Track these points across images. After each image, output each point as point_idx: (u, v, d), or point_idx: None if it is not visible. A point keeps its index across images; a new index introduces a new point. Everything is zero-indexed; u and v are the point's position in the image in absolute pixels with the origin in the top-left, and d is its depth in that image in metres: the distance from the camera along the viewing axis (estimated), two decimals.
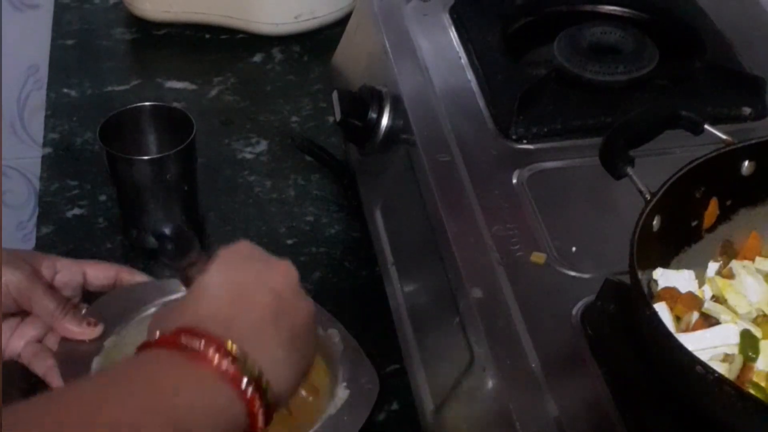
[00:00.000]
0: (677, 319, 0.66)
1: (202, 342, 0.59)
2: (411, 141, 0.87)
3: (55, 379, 0.79)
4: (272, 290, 0.64)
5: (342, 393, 0.80)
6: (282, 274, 0.66)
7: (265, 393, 0.59)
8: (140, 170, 0.93)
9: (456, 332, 0.73)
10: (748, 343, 0.63)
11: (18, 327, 0.81)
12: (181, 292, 0.82)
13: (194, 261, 0.70)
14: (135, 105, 0.98)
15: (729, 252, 0.72)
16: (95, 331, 0.80)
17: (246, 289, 0.64)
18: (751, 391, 0.60)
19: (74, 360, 0.80)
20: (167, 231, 0.72)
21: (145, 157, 0.93)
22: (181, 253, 0.70)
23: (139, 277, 0.86)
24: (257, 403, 0.59)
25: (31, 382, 0.82)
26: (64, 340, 0.81)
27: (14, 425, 0.50)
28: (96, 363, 0.80)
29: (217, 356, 0.58)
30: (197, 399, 0.57)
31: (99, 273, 0.84)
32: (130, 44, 1.27)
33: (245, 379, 0.58)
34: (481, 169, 0.83)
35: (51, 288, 0.80)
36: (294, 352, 0.64)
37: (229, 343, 0.59)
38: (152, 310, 0.84)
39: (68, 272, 0.83)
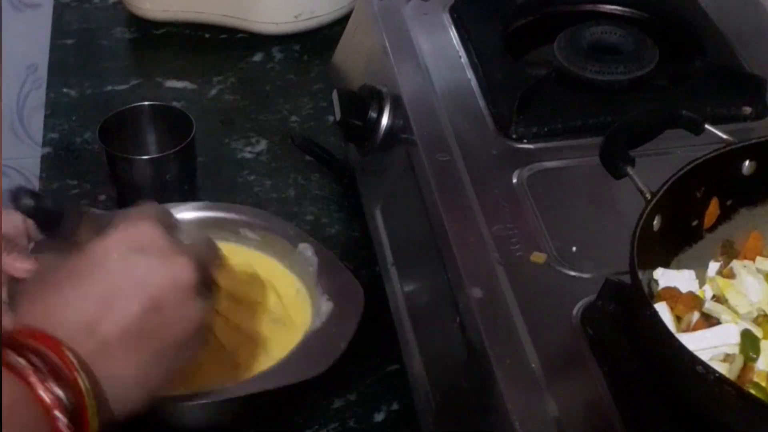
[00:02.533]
0: (678, 319, 0.66)
1: (22, 361, 0.55)
2: (411, 140, 0.87)
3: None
4: (150, 297, 0.60)
5: (325, 306, 0.77)
6: (171, 274, 0.62)
7: (91, 409, 0.56)
8: (140, 170, 0.93)
9: (456, 332, 0.73)
10: (749, 343, 0.63)
11: None
12: None
13: (70, 229, 0.65)
14: (134, 104, 0.98)
15: (730, 252, 0.72)
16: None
17: (120, 292, 0.60)
18: (752, 391, 0.60)
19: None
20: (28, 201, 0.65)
21: (145, 157, 0.93)
22: (49, 227, 0.65)
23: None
24: (62, 424, 0.55)
25: None
26: (12, 281, 0.74)
27: None
28: None
29: (34, 378, 0.55)
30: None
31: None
32: (129, 44, 1.26)
33: (57, 408, 0.55)
34: (481, 168, 0.83)
35: None
36: (158, 366, 0.61)
37: (68, 354, 0.56)
38: None
39: (8, 219, 0.75)
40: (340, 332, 0.75)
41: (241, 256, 0.85)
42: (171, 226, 0.67)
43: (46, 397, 0.55)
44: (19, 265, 0.72)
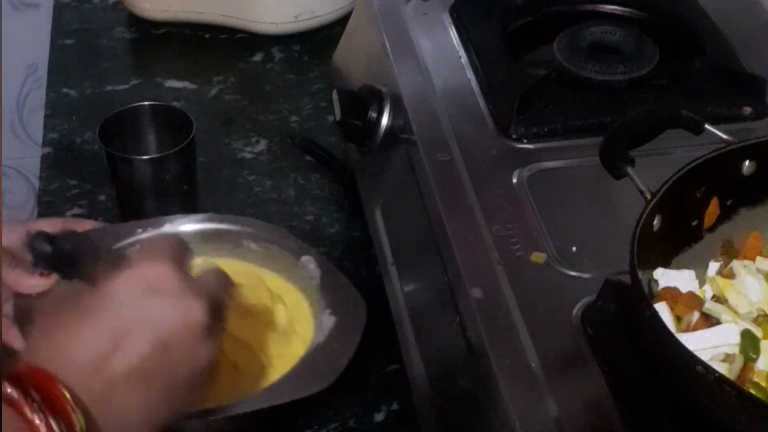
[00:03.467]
0: (678, 319, 0.65)
1: (18, 394, 0.55)
2: (411, 140, 0.87)
3: (17, 341, 0.75)
4: (160, 338, 0.60)
5: (327, 320, 0.77)
6: (182, 316, 0.61)
7: None
8: (140, 170, 0.93)
9: (456, 332, 0.73)
10: (749, 343, 0.63)
11: None
12: (135, 236, 0.82)
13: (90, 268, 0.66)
14: (134, 104, 0.98)
15: (730, 252, 0.72)
16: (48, 282, 0.74)
17: (130, 333, 0.60)
18: (752, 391, 0.60)
19: (30, 317, 0.74)
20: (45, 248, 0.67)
21: (145, 157, 0.93)
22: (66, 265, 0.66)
23: (88, 225, 0.80)
24: None
25: None
26: (18, 297, 0.75)
27: None
28: None
29: (29, 410, 0.55)
30: None
31: (44, 227, 0.75)
32: (129, 44, 1.26)
33: None
34: (481, 168, 0.83)
35: None
36: (164, 406, 0.61)
37: (63, 392, 0.56)
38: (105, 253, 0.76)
39: (11, 233, 0.75)
40: (343, 347, 0.75)
41: (244, 269, 0.84)
42: (185, 259, 0.67)
43: (42, 430, 0.55)
44: (31, 282, 0.73)
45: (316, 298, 0.79)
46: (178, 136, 0.94)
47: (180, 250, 0.68)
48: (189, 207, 0.98)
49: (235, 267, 0.82)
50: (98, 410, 0.58)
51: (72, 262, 0.67)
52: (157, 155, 0.93)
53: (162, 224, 0.84)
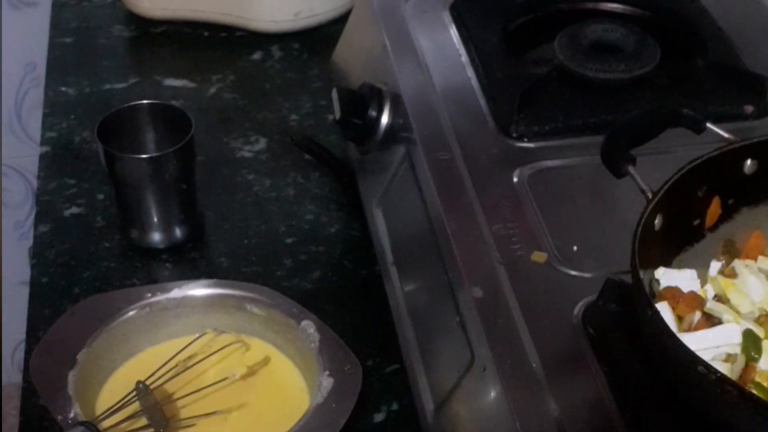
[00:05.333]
0: (679, 318, 0.65)
1: None
2: (411, 139, 0.86)
3: None
4: None
5: (326, 382, 0.80)
6: None
7: None
8: (138, 169, 0.92)
9: (456, 332, 0.73)
10: (751, 342, 0.63)
11: None
12: (144, 300, 0.87)
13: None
14: (133, 103, 0.98)
15: (731, 251, 0.72)
16: None
17: None
18: (754, 391, 0.60)
19: (49, 377, 0.80)
20: None
21: (144, 156, 0.93)
22: None
23: None
24: None
25: None
26: (37, 356, 0.81)
27: None
28: (72, 377, 0.80)
29: None
30: None
31: None
32: (128, 42, 1.26)
33: None
34: (482, 167, 0.82)
35: None
36: None
37: None
38: (123, 317, 0.85)
39: None
40: (340, 408, 0.78)
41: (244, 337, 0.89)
42: None
43: None
44: None
45: (315, 361, 0.82)
46: (177, 135, 0.93)
47: None
48: (188, 206, 0.98)
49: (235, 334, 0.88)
50: None
51: None
52: (156, 154, 0.93)
53: (170, 289, 0.87)
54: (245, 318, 0.87)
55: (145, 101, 0.98)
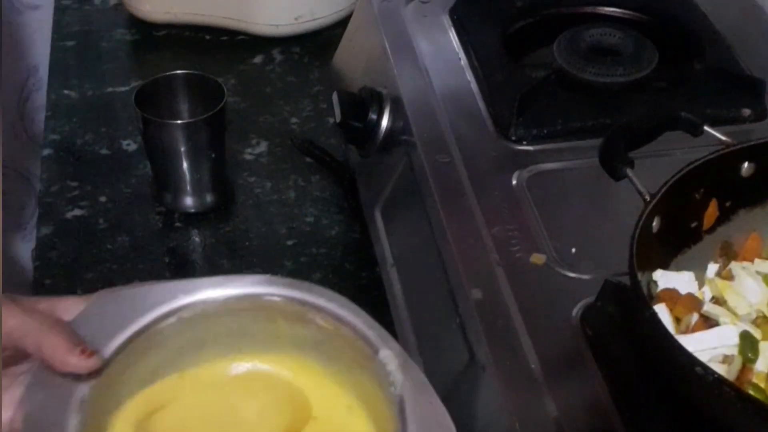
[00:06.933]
0: (677, 320, 0.66)
1: None
2: (411, 142, 0.87)
3: None
4: None
5: None
6: None
7: None
8: (172, 134, 0.96)
9: (456, 333, 0.73)
10: (748, 344, 0.63)
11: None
12: (177, 300, 0.64)
13: None
14: (169, 73, 1.01)
15: (728, 253, 0.72)
16: (89, 364, 0.60)
17: None
18: (751, 392, 0.60)
19: (44, 425, 0.58)
20: None
21: (178, 122, 0.97)
22: None
23: (72, 303, 0.64)
24: None
25: None
26: (30, 391, 0.60)
27: None
28: (73, 427, 0.58)
29: None
30: None
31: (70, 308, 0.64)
32: (130, 45, 1.27)
33: None
34: (481, 170, 0.83)
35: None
36: None
37: None
38: (146, 329, 0.62)
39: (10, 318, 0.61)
40: None
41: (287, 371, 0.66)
42: None
43: None
44: (70, 360, 0.59)
45: (394, 414, 0.57)
46: (210, 105, 0.97)
47: None
48: (218, 173, 1.01)
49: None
50: None
51: None
52: (189, 120, 0.97)
53: (208, 287, 0.65)
54: (304, 332, 0.64)
55: (180, 71, 1.01)
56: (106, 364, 0.61)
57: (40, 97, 1.32)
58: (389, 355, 0.59)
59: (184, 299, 0.64)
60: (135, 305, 0.63)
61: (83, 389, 0.60)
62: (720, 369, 0.61)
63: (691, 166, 0.69)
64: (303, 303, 0.63)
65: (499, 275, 0.73)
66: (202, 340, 0.65)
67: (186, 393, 0.64)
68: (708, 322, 0.65)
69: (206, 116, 0.96)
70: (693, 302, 0.66)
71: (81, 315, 0.63)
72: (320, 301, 0.63)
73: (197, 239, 1.00)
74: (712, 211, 0.72)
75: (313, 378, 0.64)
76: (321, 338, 0.63)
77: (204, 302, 0.64)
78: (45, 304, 0.63)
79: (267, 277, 0.65)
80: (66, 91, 1.18)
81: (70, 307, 0.63)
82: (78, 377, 0.60)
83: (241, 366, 0.65)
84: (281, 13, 1.24)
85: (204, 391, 0.64)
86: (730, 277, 0.70)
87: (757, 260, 0.71)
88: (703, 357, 0.61)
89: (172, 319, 0.63)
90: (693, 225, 0.71)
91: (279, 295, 0.64)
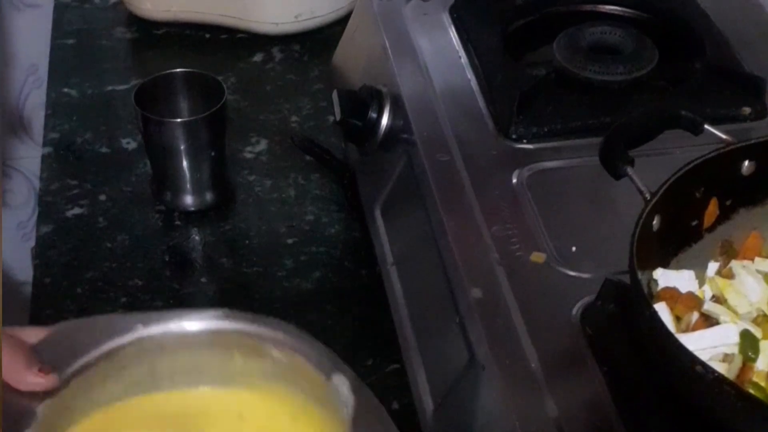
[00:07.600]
0: (677, 319, 0.66)
1: None
2: (411, 141, 0.87)
3: None
4: None
5: None
6: None
7: None
8: (172, 132, 0.96)
9: (455, 332, 0.73)
10: (748, 343, 0.63)
11: None
12: (135, 332, 0.66)
13: None
14: (168, 71, 1.01)
15: (729, 252, 0.72)
16: (46, 382, 0.62)
17: None
18: (751, 391, 0.60)
19: None
20: None
21: (177, 120, 0.97)
22: None
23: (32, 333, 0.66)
24: None
25: None
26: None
27: None
28: None
29: None
30: None
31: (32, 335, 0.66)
32: (130, 44, 1.27)
33: None
34: (481, 168, 0.83)
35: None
36: None
37: None
38: (103, 356, 0.65)
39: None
40: None
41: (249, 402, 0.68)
42: None
43: None
44: (27, 379, 0.62)
45: None
46: (210, 103, 0.97)
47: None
48: (218, 171, 1.01)
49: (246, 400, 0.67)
50: None
51: None
52: (189, 118, 0.97)
53: (167, 320, 0.67)
54: (259, 365, 0.67)
55: (180, 69, 1.01)
56: (63, 385, 0.63)
57: (40, 96, 1.32)
58: (341, 379, 0.62)
59: (142, 331, 0.66)
60: (95, 334, 0.66)
61: (38, 407, 0.62)
62: (720, 368, 0.61)
63: (692, 165, 0.69)
64: (259, 336, 0.66)
65: (499, 274, 0.73)
66: (159, 371, 0.67)
67: (139, 422, 0.66)
68: (708, 321, 0.65)
69: (206, 114, 0.96)
70: (693, 301, 0.66)
71: (42, 340, 0.65)
72: (276, 334, 0.65)
73: (197, 238, 1.00)
74: (712, 209, 0.72)
75: (266, 411, 0.67)
76: (276, 370, 0.66)
77: (162, 335, 0.66)
78: (8, 330, 0.64)
79: (225, 311, 0.67)
80: (66, 90, 1.18)
81: (32, 335, 0.65)
82: (34, 395, 0.62)
83: (196, 399, 0.67)
84: (281, 11, 1.23)
85: (157, 421, 0.66)
86: (730, 276, 0.70)
87: (757, 259, 0.71)
88: (703, 356, 0.61)
89: (130, 349, 0.66)
90: (693, 223, 0.71)
91: (236, 330, 0.66)
